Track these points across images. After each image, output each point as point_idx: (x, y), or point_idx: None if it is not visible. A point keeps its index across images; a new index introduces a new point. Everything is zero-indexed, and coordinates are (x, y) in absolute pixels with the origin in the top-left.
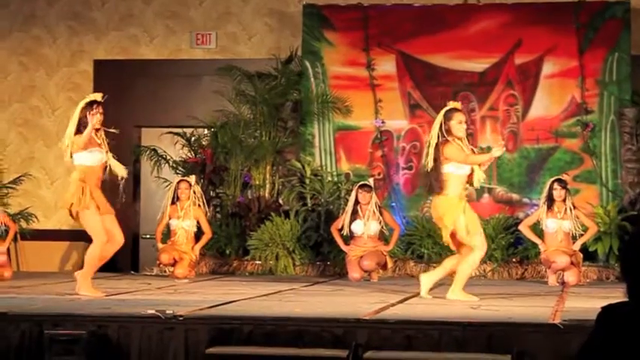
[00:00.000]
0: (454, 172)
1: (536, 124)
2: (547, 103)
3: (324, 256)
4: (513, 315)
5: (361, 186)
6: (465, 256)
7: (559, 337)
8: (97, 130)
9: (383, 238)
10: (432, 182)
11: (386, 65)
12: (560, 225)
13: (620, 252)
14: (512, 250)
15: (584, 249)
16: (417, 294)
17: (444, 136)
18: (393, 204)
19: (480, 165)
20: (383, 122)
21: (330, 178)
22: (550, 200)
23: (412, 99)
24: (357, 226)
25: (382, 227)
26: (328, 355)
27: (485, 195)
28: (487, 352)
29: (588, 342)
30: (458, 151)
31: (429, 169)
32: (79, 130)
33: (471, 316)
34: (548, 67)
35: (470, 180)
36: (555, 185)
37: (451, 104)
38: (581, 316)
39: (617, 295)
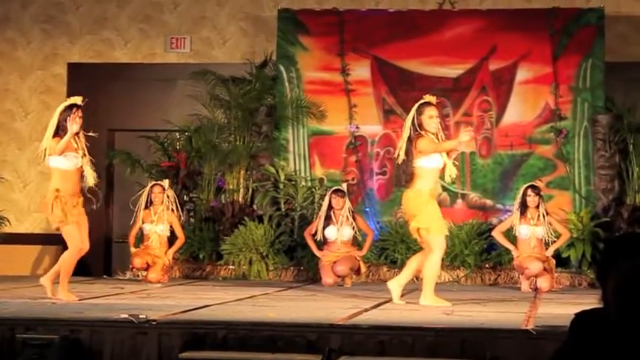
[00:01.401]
0: (426, 165)
1: (510, 130)
2: (521, 110)
3: (297, 261)
4: (486, 321)
5: (335, 191)
6: (426, 256)
7: (532, 342)
8: (76, 134)
9: (356, 243)
10: (401, 175)
11: (360, 70)
12: (533, 231)
13: (596, 258)
14: (486, 255)
15: (557, 255)
16: (391, 299)
17: (417, 130)
18: (367, 209)
19: (449, 152)
20: (357, 127)
21: (304, 183)
22: (523, 206)
23: (386, 104)
24: (331, 232)
25: (355, 232)
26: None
27: (459, 201)
28: (460, 358)
29: (561, 348)
30: (429, 143)
31: (399, 162)
32: (57, 133)
33: (444, 322)
34: (522, 74)
35: (442, 174)
36: (529, 191)
37: (426, 98)
38: (554, 322)
39: (590, 301)
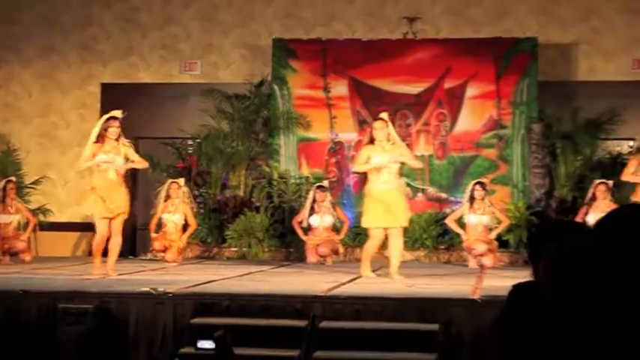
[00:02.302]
0: (367, 168)
1: (461, 137)
2: (470, 120)
3: (287, 244)
4: (441, 292)
5: (318, 187)
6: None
7: (478, 310)
8: (117, 139)
9: (335, 229)
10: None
11: (340, 88)
12: (480, 219)
13: (528, 241)
14: (441, 239)
15: (499, 238)
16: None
17: (369, 140)
18: (344, 202)
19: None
20: (336, 135)
21: (293, 181)
22: (472, 199)
23: (361, 116)
24: (315, 220)
25: (335, 220)
26: (290, 324)
27: (419, 194)
28: (420, 322)
29: (500, 314)
30: (360, 156)
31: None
32: (98, 140)
33: (406, 293)
34: (471, 91)
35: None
36: (476, 187)
37: (381, 115)
38: (496, 293)
39: (525, 275)
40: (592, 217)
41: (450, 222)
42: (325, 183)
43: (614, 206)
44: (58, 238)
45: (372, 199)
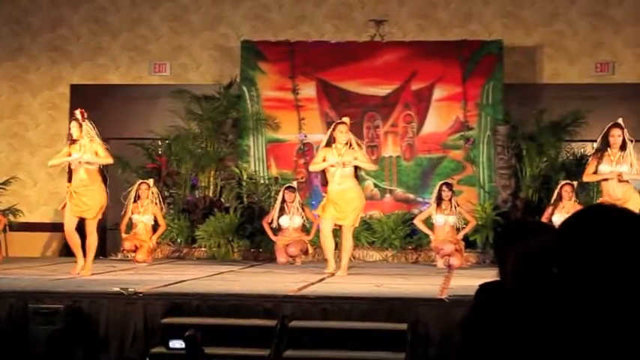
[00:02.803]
0: (329, 169)
1: (428, 138)
2: (437, 122)
3: (257, 244)
4: (409, 292)
5: (287, 187)
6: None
7: (445, 309)
8: (90, 138)
9: (304, 229)
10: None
11: (308, 90)
12: (447, 219)
13: (494, 241)
14: (409, 239)
15: (466, 238)
16: (332, 274)
17: (331, 142)
18: (313, 202)
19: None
20: (305, 136)
21: (262, 181)
22: (439, 199)
23: (329, 117)
24: (284, 220)
25: (304, 221)
26: (260, 324)
27: (388, 195)
28: (388, 322)
29: (468, 313)
30: (316, 156)
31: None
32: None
33: (375, 293)
34: (437, 93)
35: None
36: (443, 187)
37: (344, 119)
38: (463, 292)
39: (491, 275)
40: (557, 218)
41: (417, 222)
42: (294, 184)
43: (579, 207)
44: (28, 239)
45: (328, 198)
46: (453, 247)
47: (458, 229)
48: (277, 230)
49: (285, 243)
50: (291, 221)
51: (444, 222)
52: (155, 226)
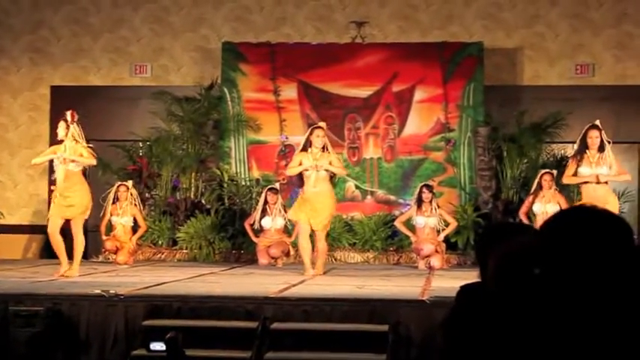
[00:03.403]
0: (305, 173)
1: (409, 140)
2: (418, 123)
3: (238, 245)
4: (390, 293)
5: (269, 189)
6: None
7: (426, 310)
8: (74, 139)
9: (286, 231)
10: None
11: (289, 91)
12: (428, 221)
13: (475, 242)
14: (390, 241)
15: (446, 240)
16: (313, 277)
17: (307, 147)
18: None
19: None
20: (286, 138)
21: (243, 183)
22: (420, 201)
23: (310, 119)
24: (266, 222)
25: (286, 222)
26: (242, 326)
27: (369, 197)
28: (369, 323)
29: (449, 315)
30: (293, 160)
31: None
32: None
33: (356, 294)
34: (418, 94)
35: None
36: (424, 189)
37: (320, 124)
38: (444, 294)
39: (472, 276)
40: (538, 207)
41: (398, 224)
42: (276, 185)
43: (559, 195)
44: (8, 241)
45: (302, 198)
46: (433, 248)
47: (438, 231)
48: (259, 232)
49: (267, 244)
50: (273, 222)
51: (424, 224)
52: (135, 228)
